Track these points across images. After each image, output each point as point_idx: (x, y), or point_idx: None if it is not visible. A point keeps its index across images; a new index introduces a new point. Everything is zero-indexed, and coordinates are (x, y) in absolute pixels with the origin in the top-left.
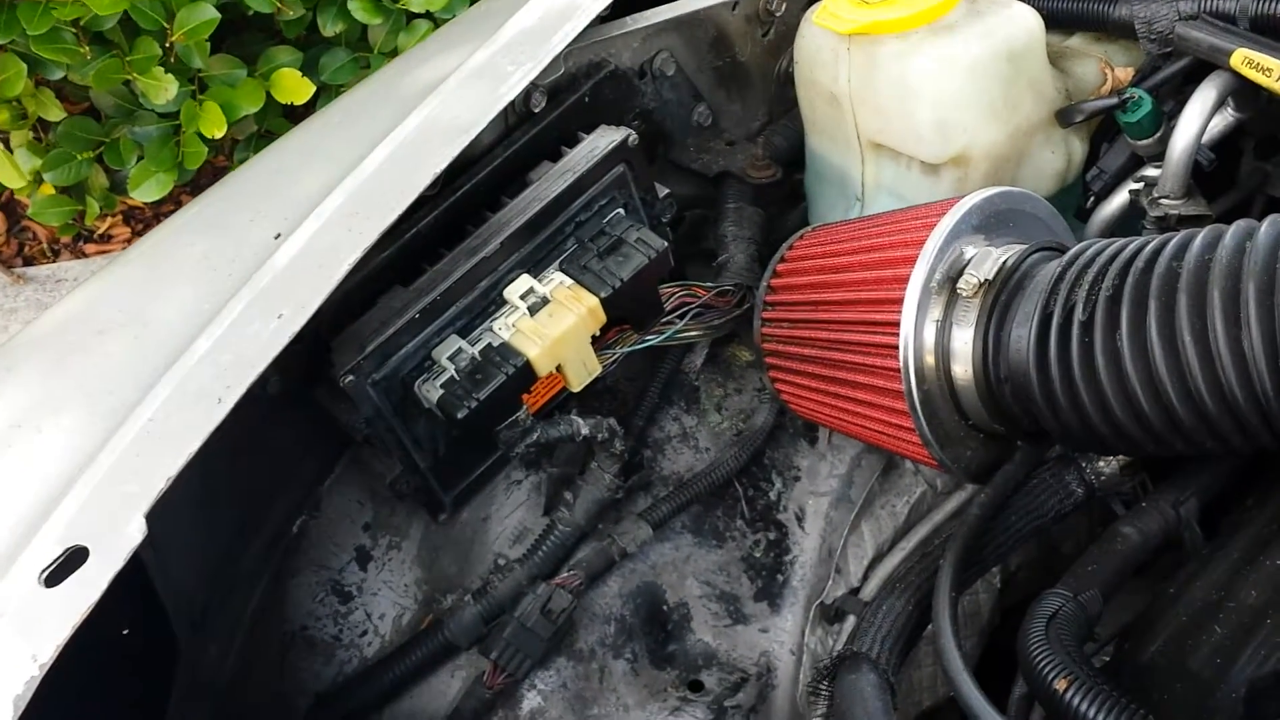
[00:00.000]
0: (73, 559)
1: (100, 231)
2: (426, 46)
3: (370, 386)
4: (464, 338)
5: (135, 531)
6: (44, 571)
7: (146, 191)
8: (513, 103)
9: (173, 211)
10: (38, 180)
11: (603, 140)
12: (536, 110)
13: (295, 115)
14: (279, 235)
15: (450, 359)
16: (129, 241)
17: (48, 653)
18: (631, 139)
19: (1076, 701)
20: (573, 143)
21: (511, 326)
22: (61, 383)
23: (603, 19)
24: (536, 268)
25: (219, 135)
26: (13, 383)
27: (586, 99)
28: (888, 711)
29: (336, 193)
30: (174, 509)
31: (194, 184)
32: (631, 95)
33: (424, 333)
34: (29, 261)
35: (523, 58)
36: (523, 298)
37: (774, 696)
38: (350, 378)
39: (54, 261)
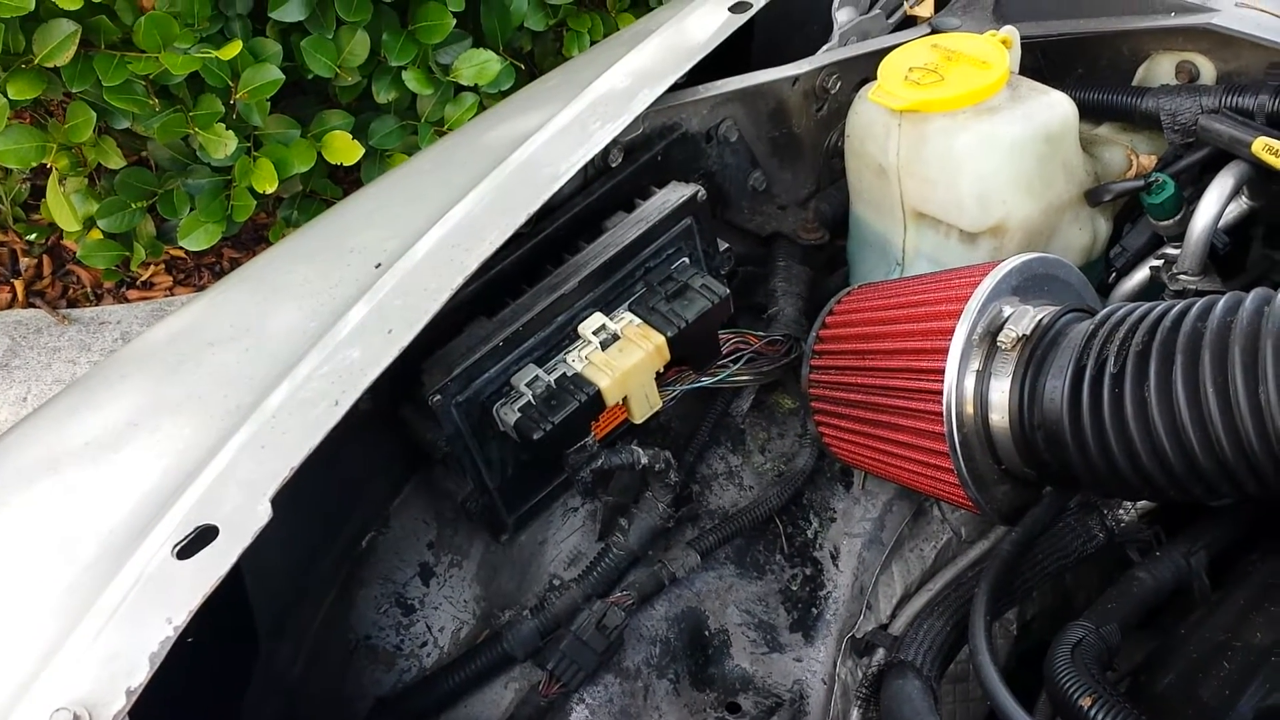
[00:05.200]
0: (203, 536)
1: (143, 279)
2: (501, 110)
3: (454, 407)
4: (540, 367)
5: (262, 513)
6: (176, 546)
7: (195, 241)
8: (592, 158)
9: (216, 263)
10: (88, 225)
11: (674, 194)
12: (614, 165)
13: (339, 178)
14: (379, 265)
15: (528, 385)
16: (171, 290)
17: (181, 617)
18: (700, 195)
19: (1101, 718)
20: (645, 196)
21: (584, 359)
22: (175, 388)
23: (678, 86)
24: (609, 307)
25: (270, 190)
26: (127, 388)
27: (659, 157)
28: (932, 710)
29: (439, 226)
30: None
31: (237, 238)
32: (698, 157)
33: (505, 360)
34: (73, 304)
35: (607, 116)
36: (595, 333)
37: None
38: (438, 397)
39: (97, 305)
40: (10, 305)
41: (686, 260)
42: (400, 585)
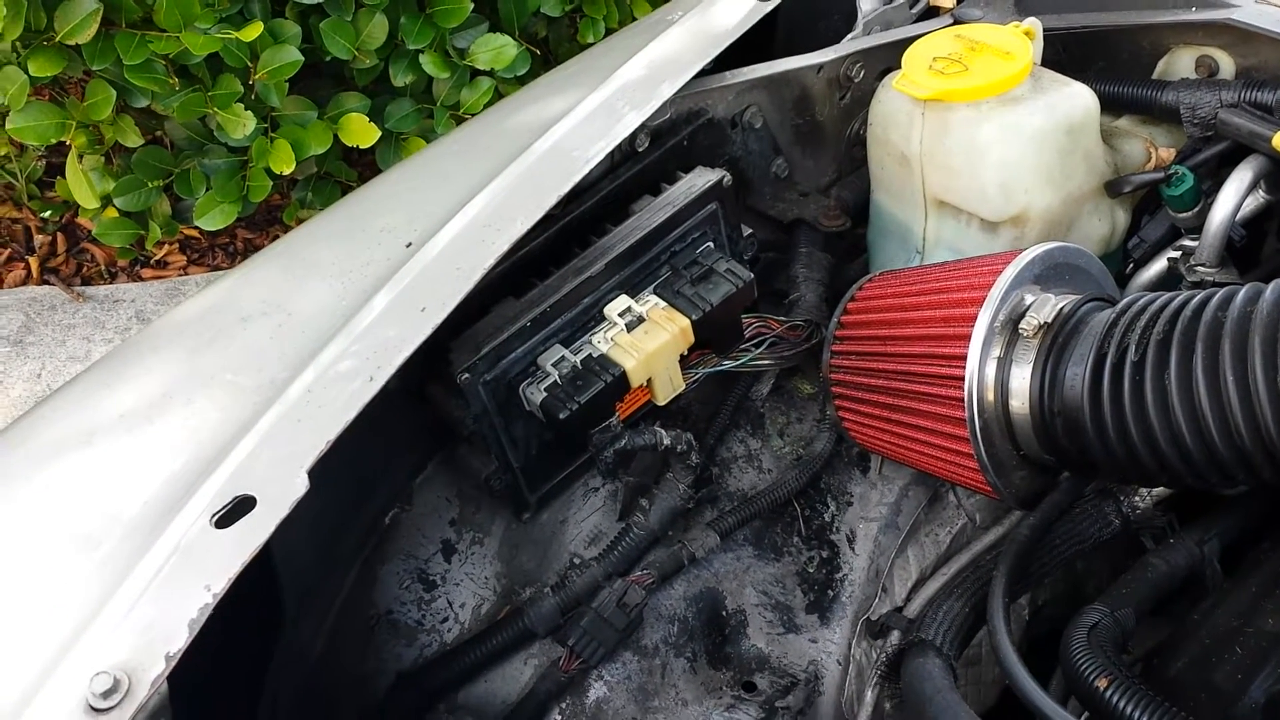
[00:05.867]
0: (241, 505)
1: (157, 257)
2: (523, 96)
3: (481, 385)
4: (567, 348)
5: (300, 485)
6: (215, 515)
7: (210, 221)
8: (619, 143)
9: (230, 243)
10: (104, 203)
11: (700, 180)
12: (640, 150)
13: (353, 160)
14: (409, 244)
15: (554, 365)
16: (184, 269)
17: (220, 584)
18: (726, 180)
19: (1116, 699)
20: (671, 180)
21: (610, 340)
22: (208, 361)
23: (705, 72)
24: (634, 290)
25: (287, 171)
26: (159, 361)
27: (685, 142)
28: (953, 687)
29: (470, 206)
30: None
31: (251, 218)
32: (723, 143)
33: (532, 340)
34: (87, 281)
35: (635, 101)
36: (621, 315)
37: (820, 702)
38: (466, 375)
39: (111, 283)
40: (25, 282)
41: (711, 245)
42: (422, 561)
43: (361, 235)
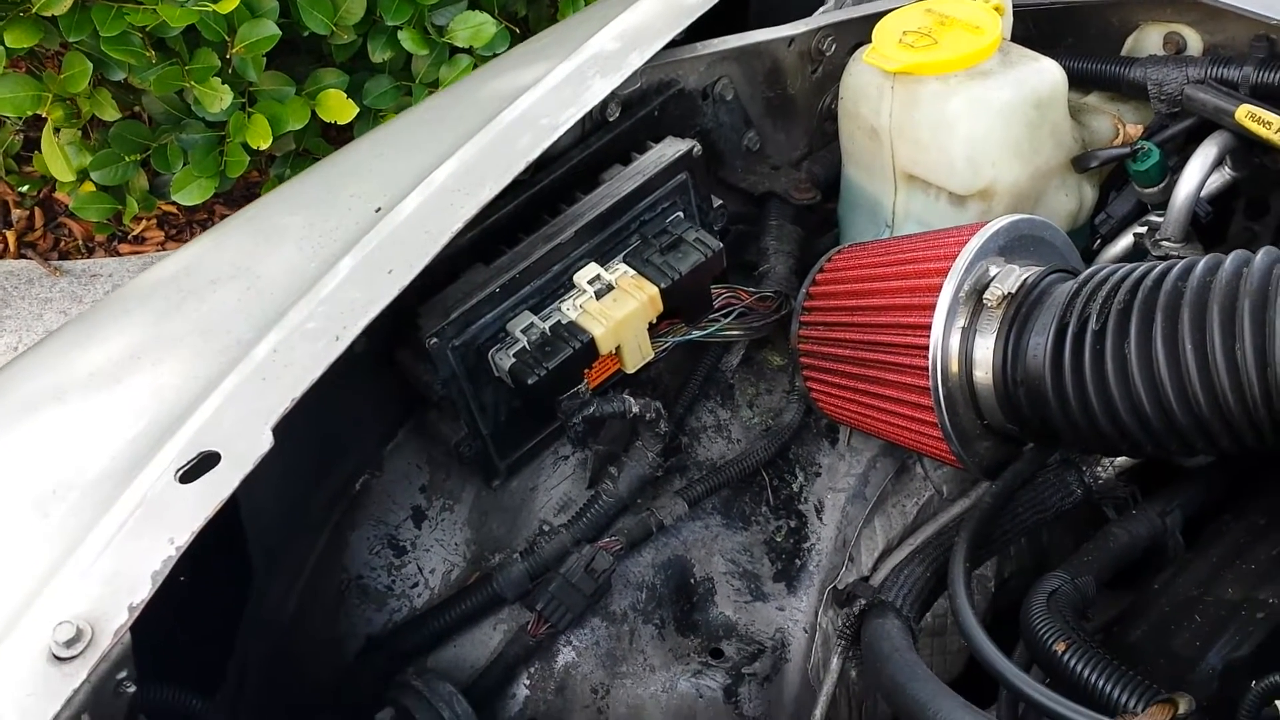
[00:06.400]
0: (205, 461)
1: (135, 233)
2: (496, 66)
3: (450, 350)
4: (536, 314)
5: (265, 441)
6: (179, 471)
7: (187, 195)
8: (590, 110)
9: (208, 219)
10: (81, 178)
11: (670, 149)
12: (611, 119)
13: (331, 137)
14: (379, 209)
15: (523, 331)
16: (163, 245)
17: (184, 537)
18: (696, 150)
19: (1074, 663)
20: (642, 150)
21: (579, 308)
22: (178, 323)
23: (676, 42)
24: (604, 258)
25: (264, 147)
26: (130, 322)
27: (656, 113)
28: (911, 647)
29: (439, 171)
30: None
31: (229, 194)
32: (694, 114)
33: (501, 306)
34: (64, 256)
35: (605, 69)
36: (590, 283)
37: (787, 669)
38: (434, 340)
39: (89, 258)
40: (1, 256)
41: (681, 214)
42: (393, 527)
43: (331, 201)
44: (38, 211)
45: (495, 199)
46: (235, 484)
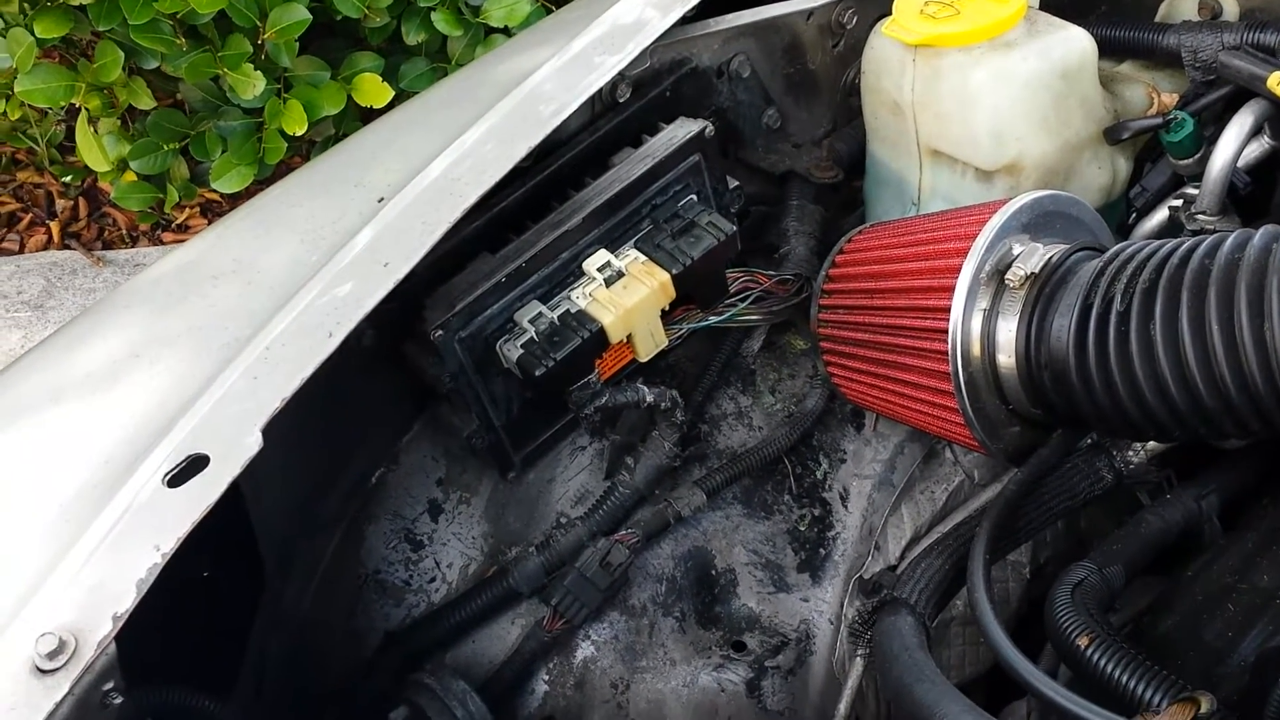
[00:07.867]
0: (194, 465)
1: (178, 221)
2: (518, 41)
3: (457, 342)
4: (544, 304)
5: (253, 443)
6: (167, 475)
7: (227, 183)
8: (600, 92)
9: None
10: (121, 167)
11: (681, 130)
12: (621, 100)
13: (369, 121)
14: (381, 200)
15: (531, 322)
16: None
17: (170, 544)
18: (708, 130)
19: (1097, 658)
20: (653, 132)
21: (588, 296)
22: (176, 321)
23: (687, 19)
24: (614, 244)
25: (300, 132)
26: (129, 320)
27: (668, 93)
28: (922, 646)
29: (439, 160)
30: (272, 448)
31: (270, 180)
32: (709, 93)
33: (508, 296)
34: (108, 246)
35: (614, 49)
36: (600, 270)
37: (811, 661)
38: (440, 332)
39: (133, 247)
40: (46, 247)
41: (694, 197)
42: (409, 521)
43: (336, 191)
44: (82, 201)
45: (502, 185)
46: (224, 487)
